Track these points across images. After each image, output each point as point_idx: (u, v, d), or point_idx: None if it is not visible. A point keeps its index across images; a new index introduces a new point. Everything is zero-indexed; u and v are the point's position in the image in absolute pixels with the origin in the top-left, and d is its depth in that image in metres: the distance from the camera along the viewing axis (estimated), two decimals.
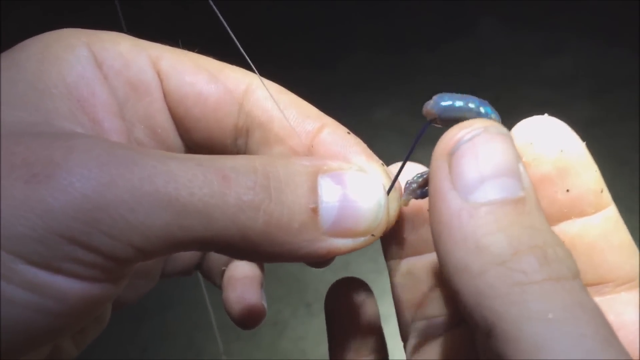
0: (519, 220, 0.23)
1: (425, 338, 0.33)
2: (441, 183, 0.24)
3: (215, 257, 0.42)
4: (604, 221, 0.28)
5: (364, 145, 0.31)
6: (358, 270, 1.17)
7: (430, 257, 0.33)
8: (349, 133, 0.32)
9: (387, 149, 0.31)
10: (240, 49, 0.30)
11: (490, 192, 0.23)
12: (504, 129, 0.25)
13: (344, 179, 0.28)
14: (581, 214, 0.29)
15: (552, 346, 0.21)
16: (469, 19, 1.71)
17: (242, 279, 0.40)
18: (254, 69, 0.32)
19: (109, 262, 0.24)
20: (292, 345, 1.12)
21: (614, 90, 1.48)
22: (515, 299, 0.22)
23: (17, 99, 0.27)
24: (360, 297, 0.36)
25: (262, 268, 0.43)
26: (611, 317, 0.27)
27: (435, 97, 0.28)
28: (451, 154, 0.24)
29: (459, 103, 0.27)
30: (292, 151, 0.32)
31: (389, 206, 0.29)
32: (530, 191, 0.24)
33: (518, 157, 0.24)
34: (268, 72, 0.33)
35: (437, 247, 0.24)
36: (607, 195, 0.29)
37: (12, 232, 0.23)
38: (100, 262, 0.24)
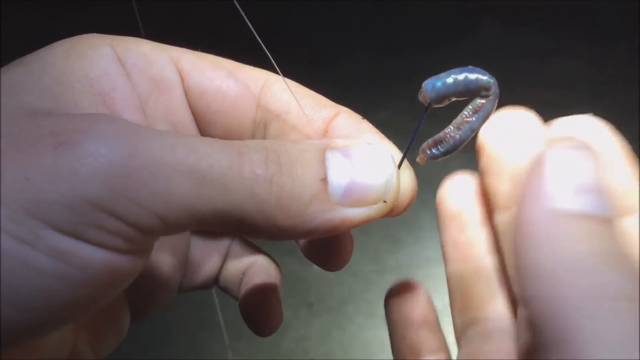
0: (606, 238, 0.24)
1: (476, 345, 0.33)
2: (534, 187, 0.25)
3: (232, 266, 0.42)
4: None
5: (377, 130, 0.32)
6: (359, 271, 1.17)
7: (485, 262, 0.33)
8: (363, 119, 0.33)
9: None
10: (262, 45, 0.32)
11: (583, 205, 0.24)
12: (592, 147, 0.26)
13: (351, 152, 0.29)
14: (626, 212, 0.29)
15: None
16: (470, 20, 1.71)
17: (260, 285, 0.41)
18: (273, 61, 0.33)
19: (132, 231, 0.25)
20: (294, 345, 1.12)
21: (614, 91, 1.48)
22: (599, 313, 0.22)
23: (42, 90, 0.28)
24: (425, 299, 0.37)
25: (277, 268, 0.43)
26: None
27: (423, 85, 0.30)
28: (545, 161, 0.26)
29: (447, 81, 0.30)
30: (307, 138, 0.33)
31: (399, 177, 0.30)
32: (612, 212, 0.25)
33: (598, 173, 0.26)
34: (271, 68, 0.34)
35: (518, 250, 0.25)
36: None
37: (40, 198, 0.23)
38: (124, 230, 0.24)
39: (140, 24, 0.38)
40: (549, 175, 0.25)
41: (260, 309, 0.40)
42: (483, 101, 0.30)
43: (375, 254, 1.23)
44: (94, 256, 0.24)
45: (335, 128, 0.32)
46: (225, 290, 0.43)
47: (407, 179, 0.31)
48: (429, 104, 0.30)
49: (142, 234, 0.25)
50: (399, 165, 0.30)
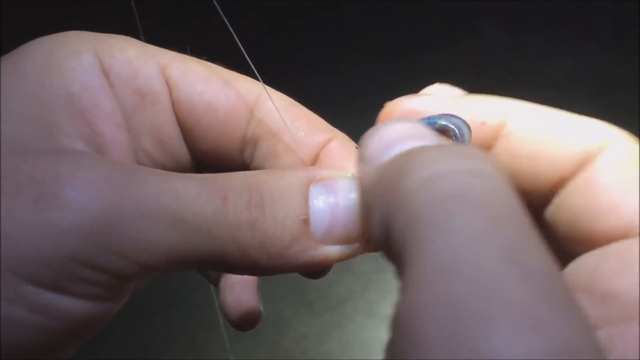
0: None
1: None
2: (357, 167, 0.25)
3: None
4: (504, 142, 0.28)
5: None
6: (360, 270, 1.17)
7: None
8: (357, 147, 0.31)
9: None
10: (248, 60, 0.30)
11: (393, 153, 0.23)
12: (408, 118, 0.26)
13: (335, 187, 0.28)
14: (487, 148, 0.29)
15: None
16: (470, 21, 1.71)
17: (239, 283, 0.41)
18: (260, 79, 0.31)
19: (114, 280, 0.25)
20: (293, 344, 1.12)
21: (614, 91, 1.48)
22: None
23: (18, 109, 0.27)
24: None
25: None
26: (564, 213, 0.26)
27: None
28: (362, 145, 0.24)
29: None
30: (299, 162, 0.32)
31: None
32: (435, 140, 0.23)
33: (422, 127, 0.24)
34: (269, 75, 0.33)
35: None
36: (495, 123, 0.28)
37: (19, 254, 0.23)
38: (105, 281, 0.24)
39: (139, 23, 0.36)
40: (361, 149, 0.24)
41: (239, 306, 0.40)
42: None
43: (375, 253, 1.22)
44: (75, 307, 0.24)
45: (327, 154, 0.31)
46: (205, 275, 0.43)
47: None
48: None
49: (123, 281, 0.25)
50: None
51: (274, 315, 1.14)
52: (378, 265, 1.19)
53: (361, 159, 0.24)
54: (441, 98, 0.30)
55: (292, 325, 1.14)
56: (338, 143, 0.32)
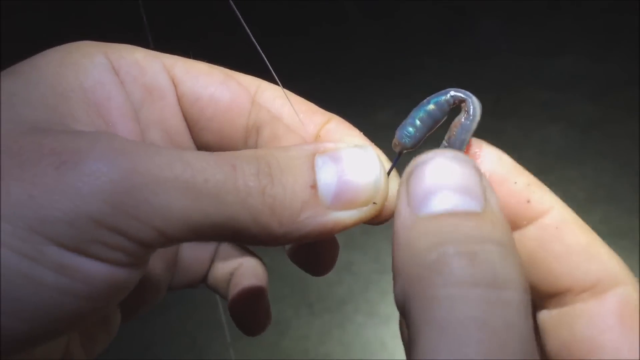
0: (458, 230, 0.24)
1: None
2: (399, 202, 0.27)
3: (220, 267, 0.43)
4: (540, 231, 0.29)
5: (366, 138, 0.33)
6: (360, 271, 1.18)
7: None
8: (353, 127, 0.33)
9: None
10: (260, 51, 0.32)
11: (434, 206, 0.25)
12: (455, 153, 0.27)
13: (340, 155, 0.29)
14: (515, 226, 0.29)
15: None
16: (470, 21, 1.71)
17: (249, 286, 0.41)
18: (269, 64, 0.33)
19: (133, 245, 0.25)
20: (294, 344, 1.13)
21: (614, 91, 1.49)
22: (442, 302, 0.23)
23: (37, 100, 0.28)
24: None
25: (265, 269, 0.43)
26: (564, 333, 0.29)
27: (399, 138, 0.31)
28: (408, 178, 0.27)
29: (417, 124, 0.30)
30: (302, 142, 0.33)
31: (388, 182, 0.30)
32: (486, 205, 0.25)
33: (468, 176, 0.26)
34: (268, 74, 0.34)
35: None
36: (539, 204, 0.29)
37: (44, 215, 0.24)
38: (125, 245, 0.25)
39: (146, 24, 0.38)
40: (408, 189, 0.26)
41: (249, 310, 0.41)
42: (461, 118, 0.30)
43: (375, 253, 1.23)
44: (97, 270, 0.25)
45: (327, 132, 0.33)
46: (213, 289, 0.43)
47: (394, 183, 0.31)
48: (401, 151, 0.31)
49: (143, 247, 0.26)
50: (388, 174, 0.31)
51: (274, 315, 1.14)
52: (378, 266, 1.19)
53: (403, 191, 0.27)
54: (500, 156, 0.31)
55: (293, 326, 1.15)
56: (336, 122, 0.33)
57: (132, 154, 0.25)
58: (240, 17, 0.31)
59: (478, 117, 0.30)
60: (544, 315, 0.30)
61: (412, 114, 0.31)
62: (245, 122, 0.34)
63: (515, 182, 0.29)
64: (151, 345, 1.14)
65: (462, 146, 0.30)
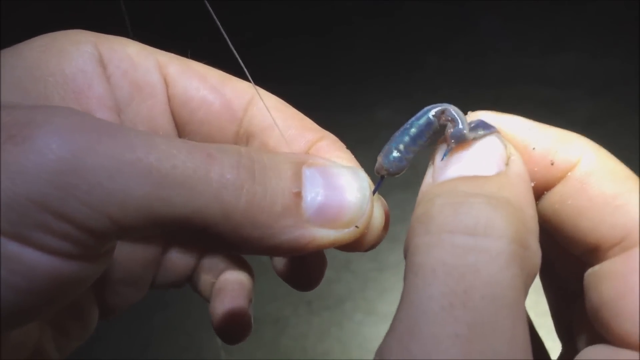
0: (455, 188, 0.25)
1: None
2: (427, 174, 0.27)
3: (206, 269, 0.42)
4: (564, 187, 0.28)
5: (356, 161, 0.32)
6: (359, 269, 1.17)
7: None
8: (346, 149, 0.32)
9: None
10: (241, 62, 0.30)
11: (449, 173, 0.26)
12: (480, 124, 0.28)
13: (328, 171, 0.28)
14: (544, 190, 0.29)
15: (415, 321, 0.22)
16: (470, 18, 1.71)
17: (231, 292, 0.39)
18: (252, 81, 0.32)
19: (83, 234, 0.23)
20: (293, 343, 1.13)
21: (614, 89, 1.48)
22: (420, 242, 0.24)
23: (11, 82, 0.27)
24: None
25: (251, 277, 0.42)
26: (593, 294, 0.27)
27: (385, 165, 0.30)
28: (434, 153, 0.28)
29: (398, 152, 0.29)
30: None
31: (373, 204, 0.29)
32: (501, 171, 0.26)
33: (488, 144, 0.27)
34: (269, 72, 0.33)
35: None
36: (564, 162, 0.28)
37: None
38: (73, 234, 0.23)
39: (129, 25, 0.37)
40: (434, 158, 0.28)
41: (229, 319, 0.39)
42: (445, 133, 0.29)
43: (374, 252, 1.22)
44: (40, 262, 0.22)
45: (317, 150, 0.31)
46: (196, 290, 0.41)
47: (379, 210, 0.30)
48: (384, 176, 0.30)
49: (94, 237, 0.23)
50: (374, 192, 0.30)
51: (273, 314, 1.14)
52: (377, 264, 1.19)
53: (431, 163, 0.27)
54: (521, 121, 0.30)
55: (291, 324, 1.14)
56: (328, 141, 0.32)
57: (90, 131, 0.23)
58: (215, 17, 0.30)
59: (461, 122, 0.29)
60: (585, 276, 0.28)
61: (397, 138, 0.29)
62: (236, 129, 0.33)
63: (534, 148, 0.28)
64: (149, 345, 1.14)
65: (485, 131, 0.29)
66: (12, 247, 0.22)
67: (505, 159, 0.26)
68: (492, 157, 0.26)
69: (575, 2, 1.66)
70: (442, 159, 0.28)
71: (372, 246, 0.31)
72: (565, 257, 0.29)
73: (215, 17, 0.30)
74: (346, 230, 0.28)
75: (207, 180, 0.24)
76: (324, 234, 0.27)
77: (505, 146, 0.26)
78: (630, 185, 0.27)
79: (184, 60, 0.33)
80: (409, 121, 0.29)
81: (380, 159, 0.30)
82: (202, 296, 0.41)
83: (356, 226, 0.28)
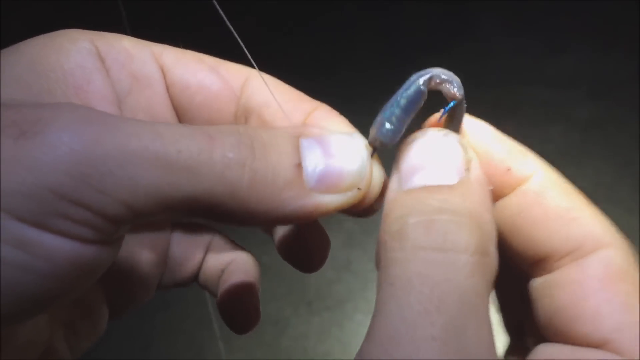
0: (424, 202, 0.27)
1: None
2: (391, 179, 0.29)
3: (212, 264, 0.42)
4: (520, 197, 0.30)
5: (352, 126, 0.32)
6: (359, 269, 1.18)
7: None
8: (341, 116, 0.33)
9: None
10: (239, 40, 0.31)
11: (414, 181, 0.28)
12: (438, 131, 0.29)
13: (326, 140, 0.29)
14: (498, 195, 0.30)
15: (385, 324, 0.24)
16: (470, 20, 1.71)
17: (238, 283, 0.40)
18: (251, 59, 0.33)
19: (99, 220, 0.24)
20: (293, 343, 1.13)
21: (614, 91, 1.49)
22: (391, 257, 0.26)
23: (13, 79, 0.28)
24: None
25: (257, 267, 0.42)
26: (548, 301, 0.29)
27: (374, 130, 0.30)
28: (399, 156, 0.29)
29: (390, 123, 0.30)
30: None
31: (372, 167, 0.30)
32: (463, 178, 0.27)
33: (449, 151, 0.28)
34: (268, 74, 0.34)
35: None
36: (520, 171, 0.30)
37: (1, 187, 0.22)
38: (90, 219, 0.24)
39: (125, 20, 0.38)
40: (398, 163, 0.29)
41: (237, 308, 0.40)
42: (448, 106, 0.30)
43: (374, 252, 1.23)
44: (60, 247, 0.24)
45: (313, 119, 0.32)
46: (204, 287, 0.42)
47: (378, 171, 0.31)
48: (375, 148, 0.30)
49: (110, 222, 0.24)
50: (372, 154, 0.30)
51: (273, 314, 1.14)
52: None
53: (395, 168, 0.29)
54: (482, 127, 0.32)
55: (292, 324, 1.15)
56: (323, 110, 0.33)
57: (97, 124, 0.24)
58: (218, 7, 0.31)
59: (459, 95, 0.30)
60: (532, 285, 0.30)
61: (387, 109, 0.30)
62: (234, 110, 0.34)
63: (496, 151, 0.30)
64: (150, 344, 1.14)
65: (457, 125, 0.30)
66: (34, 234, 0.23)
67: (465, 164, 0.28)
68: (454, 164, 0.28)
69: (575, 3, 1.67)
70: (440, 119, 0.30)
71: (375, 210, 0.32)
72: (506, 267, 0.30)
73: (223, 15, 0.30)
74: (349, 193, 0.29)
75: (210, 161, 0.25)
76: (328, 200, 0.28)
77: (466, 150, 0.28)
78: (581, 201, 0.30)
79: (177, 50, 0.34)
80: (398, 92, 0.30)
81: (373, 131, 0.30)
82: (210, 291, 0.42)
83: (358, 188, 0.29)
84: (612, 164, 1.32)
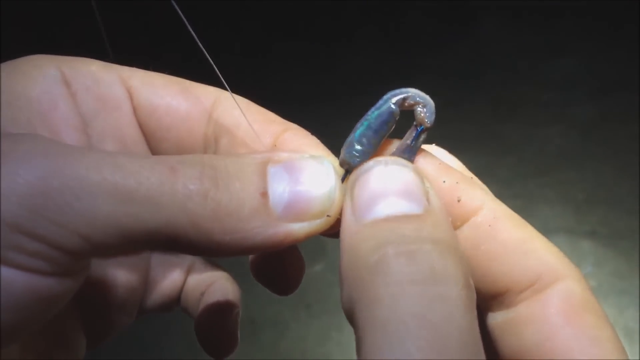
0: (397, 232, 0.25)
1: None
2: (344, 211, 0.27)
3: (192, 288, 0.41)
4: (473, 230, 0.29)
5: (323, 146, 0.32)
6: None
7: None
8: (311, 135, 0.32)
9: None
10: (210, 60, 0.31)
11: (376, 212, 0.26)
12: (395, 160, 0.28)
13: (294, 165, 0.28)
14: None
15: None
16: (471, 21, 1.71)
17: (218, 306, 0.39)
18: (223, 80, 0.32)
19: (55, 252, 0.24)
20: (292, 345, 1.12)
21: (614, 92, 1.48)
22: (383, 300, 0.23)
23: None
24: None
25: (237, 292, 0.42)
26: (513, 339, 0.28)
27: (344, 151, 0.29)
28: (352, 187, 0.27)
29: (360, 144, 0.29)
30: (255, 151, 0.32)
31: (342, 191, 0.29)
32: (427, 207, 0.26)
33: (409, 181, 0.27)
34: (267, 75, 0.33)
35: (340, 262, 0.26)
36: (470, 202, 0.29)
37: None
38: (45, 252, 0.24)
39: (107, 43, 0.38)
40: (352, 198, 0.27)
41: (214, 333, 0.39)
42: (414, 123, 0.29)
43: None
44: (15, 279, 0.24)
45: (283, 142, 0.32)
46: (185, 311, 0.41)
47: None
48: (348, 170, 0.30)
49: (67, 255, 0.24)
50: (343, 179, 0.30)
51: (272, 317, 1.14)
52: None
53: (348, 199, 0.27)
54: (429, 155, 0.30)
55: (291, 327, 1.14)
56: (292, 132, 0.32)
57: (55, 155, 0.24)
58: (185, 21, 0.30)
59: (429, 123, 0.29)
60: (492, 319, 0.29)
61: (358, 130, 0.29)
62: (203, 131, 0.33)
63: (444, 181, 0.29)
64: (150, 346, 1.14)
65: (411, 154, 0.30)
66: None
67: (425, 193, 0.27)
68: (415, 194, 0.27)
69: (575, 3, 1.66)
70: (412, 143, 0.29)
71: None
72: None
73: (187, 23, 0.30)
74: (318, 220, 0.28)
75: (172, 193, 0.25)
76: (298, 228, 0.28)
77: (422, 181, 0.27)
78: (532, 231, 0.29)
79: (145, 73, 0.34)
80: (370, 111, 0.29)
81: (343, 152, 0.30)
82: (190, 315, 0.41)
83: (327, 215, 0.28)
84: (611, 165, 1.32)
